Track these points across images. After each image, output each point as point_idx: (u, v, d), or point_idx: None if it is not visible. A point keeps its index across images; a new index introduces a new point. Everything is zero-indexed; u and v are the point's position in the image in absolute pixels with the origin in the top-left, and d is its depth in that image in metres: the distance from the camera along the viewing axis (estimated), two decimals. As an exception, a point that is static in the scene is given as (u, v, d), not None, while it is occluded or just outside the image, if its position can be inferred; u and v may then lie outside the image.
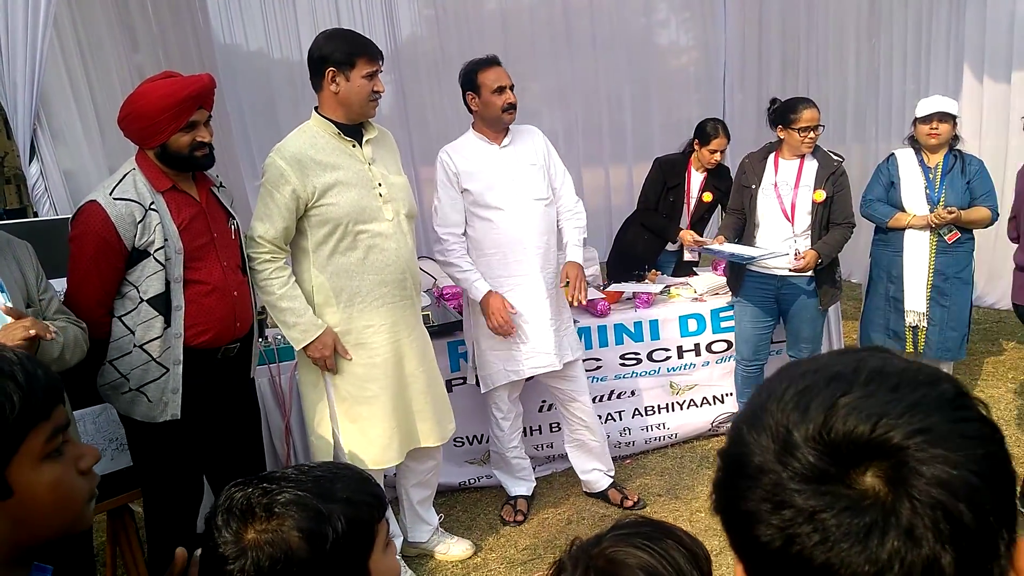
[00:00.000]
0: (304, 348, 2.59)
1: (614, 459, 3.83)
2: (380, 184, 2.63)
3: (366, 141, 2.65)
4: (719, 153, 4.24)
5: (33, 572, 0.89)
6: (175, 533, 2.48)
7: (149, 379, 2.34)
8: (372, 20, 6.50)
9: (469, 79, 3.09)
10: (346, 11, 6.40)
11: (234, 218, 2.56)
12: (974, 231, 3.78)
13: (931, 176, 3.70)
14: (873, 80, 5.69)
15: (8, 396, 0.79)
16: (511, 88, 3.09)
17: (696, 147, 4.31)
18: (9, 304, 1.97)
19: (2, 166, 20.37)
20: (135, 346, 2.32)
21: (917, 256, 3.72)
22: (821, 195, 3.41)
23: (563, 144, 7.38)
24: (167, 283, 2.31)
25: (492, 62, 3.10)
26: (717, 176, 4.36)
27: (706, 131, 4.25)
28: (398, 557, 2.66)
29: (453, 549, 3.11)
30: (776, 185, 3.50)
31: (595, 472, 3.46)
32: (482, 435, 3.62)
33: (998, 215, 3.69)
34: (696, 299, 3.97)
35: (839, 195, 3.45)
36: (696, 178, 4.39)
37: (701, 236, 4.12)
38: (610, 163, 7.41)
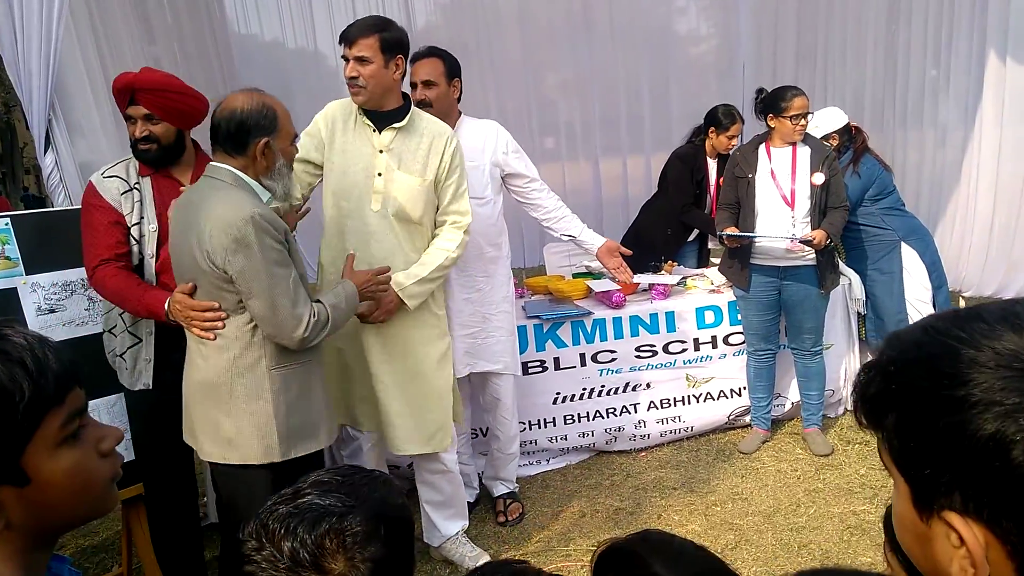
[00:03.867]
0: None
1: (629, 451, 3.83)
2: (380, 174, 2.59)
3: (389, 127, 2.60)
4: (736, 138, 4.20)
5: (52, 561, 0.89)
6: (174, 514, 2.63)
7: (128, 345, 2.50)
8: (388, 9, 6.48)
9: None
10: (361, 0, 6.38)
11: None
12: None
13: None
14: (891, 68, 5.59)
15: (17, 384, 0.78)
16: (425, 84, 2.91)
17: (712, 134, 4.26)
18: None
19: (22, 156, 20.60)
20: (118, 314, 2.50)
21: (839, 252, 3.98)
22: (820, 178, 3.45)
23: (581, 134, 7.34)
24: (141, 258, 2.47)
25: (416, 56, 2.94)
26: (726, 162, 4.34)
27: (719, 117, 4.21)
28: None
29: (468, 564, 2.92)
30: (773, 172, 3.51)
31: (494, 480, 3.39)
32: (496, 427, 3.61)
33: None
34: (713, 291, 3.93)
35: (834, 179, 3.51)
36: (711, 167, 4.35)
37: None
38: (628, 153, 7.35)
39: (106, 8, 3.93)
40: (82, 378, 0.87)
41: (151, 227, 2.46)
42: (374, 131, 2.60)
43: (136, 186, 2.46)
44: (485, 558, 2.96)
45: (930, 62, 5.31)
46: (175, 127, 2.45)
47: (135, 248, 2.45)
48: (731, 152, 3.88)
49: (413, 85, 2.94)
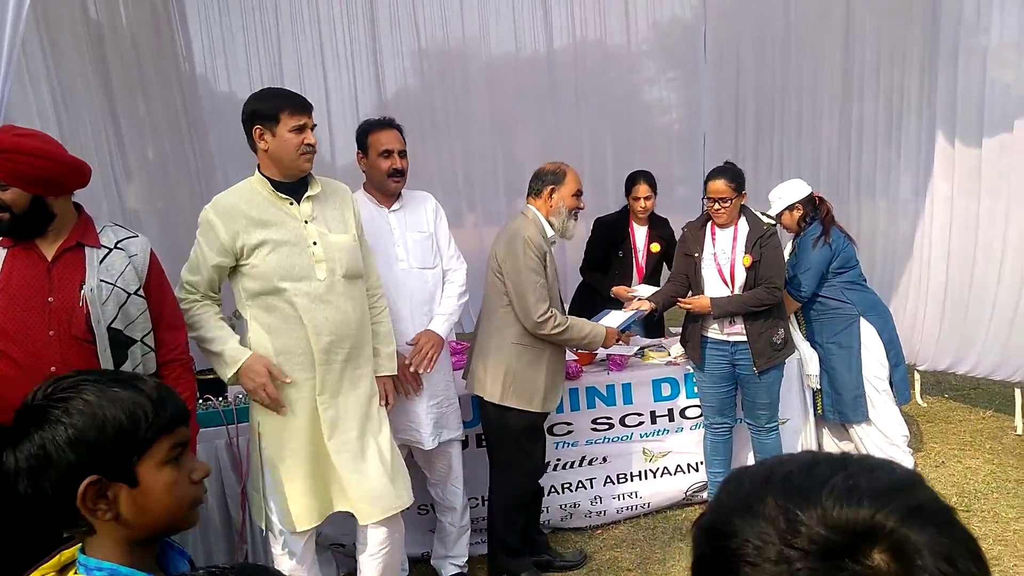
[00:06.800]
0: (238, 380, 2.55)
1: (585, 529, 3.74)
2: (315, 243, 2.58)
3: (306, 198, 2.61)
4: (643, 200, 4.29)
5: (174, 555, 1.17)
6: None
7: None
8: (360, 74, 6.55)
9: (361, 138, 3.07)
10: (332, 64, 6.45)
11: (89, 283, 2.30)
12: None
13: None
14: (846, 143, 5.73)
15: (145, 410, 1.09)
16: (400, 154, 3.02)
17: (628, 200, 4.39)
18: None
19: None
20: None
21: (794, 325, 3.98)
22: (748, 259, 3.47)
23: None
24: None
25: (385, 124, 3.05)
26: (659, 226, 4.47)
27: (629, 181, 4.34)
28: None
29: None
30: (715, 255, 3.56)
31: (444, 559, 3.31)
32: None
33: (802, 293, 3.86)
34: (670, 362, 3.91)
35: (764, 260, 3.46)
36: (640, 232, 4.43)
37: (658, 285, 4.12)
38: (592, 216, 7.43)
39: (64, 63, 3.91)
40: (188, 421, 1.16)
41: None
42: (291, 204, 2.59)
43: None
44: None
45: (882, 139, 5.45)
46: (28, 193, 2.20)
47: None
48: (683, 227, 3.87)
49: (387, 153, 2.98)
